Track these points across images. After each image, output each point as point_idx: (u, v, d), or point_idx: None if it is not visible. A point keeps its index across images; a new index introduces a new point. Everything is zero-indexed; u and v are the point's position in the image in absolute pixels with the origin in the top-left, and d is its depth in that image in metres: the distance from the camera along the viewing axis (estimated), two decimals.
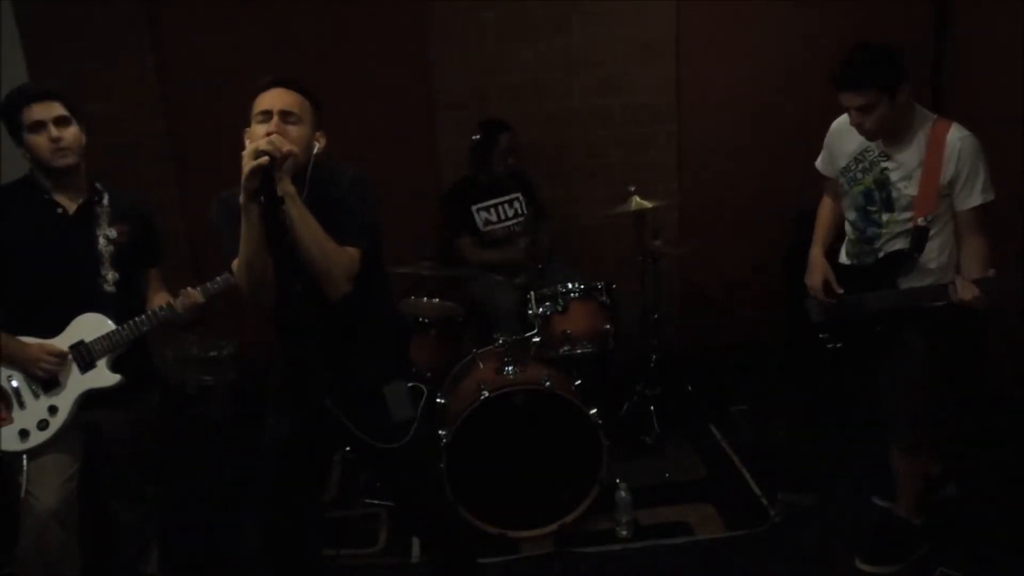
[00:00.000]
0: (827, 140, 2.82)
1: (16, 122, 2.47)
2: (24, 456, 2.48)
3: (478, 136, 4.01)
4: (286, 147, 1.99)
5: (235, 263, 2.13)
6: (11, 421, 2.49)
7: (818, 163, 2.88)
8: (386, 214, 2.29)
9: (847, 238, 2.81)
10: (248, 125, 2.17)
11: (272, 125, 2.07)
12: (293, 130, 2.11)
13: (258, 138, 2.03)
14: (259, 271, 2.07)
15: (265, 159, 1.94)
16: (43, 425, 2.50)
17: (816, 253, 2.86)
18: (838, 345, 2.82)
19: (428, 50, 4.32)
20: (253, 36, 4.15)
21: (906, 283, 2.61)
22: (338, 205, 2.15)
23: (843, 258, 2.83)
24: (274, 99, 2.13)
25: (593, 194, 4.40)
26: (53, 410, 2.51)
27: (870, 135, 2.57)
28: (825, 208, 2.93)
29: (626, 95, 4.44)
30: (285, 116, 2.11)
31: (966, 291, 2.36)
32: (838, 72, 2.50)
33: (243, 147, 2.15)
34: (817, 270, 2.82)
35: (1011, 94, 3.68)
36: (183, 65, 4.18)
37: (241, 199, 1.99)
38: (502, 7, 4.29)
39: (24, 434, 2.49)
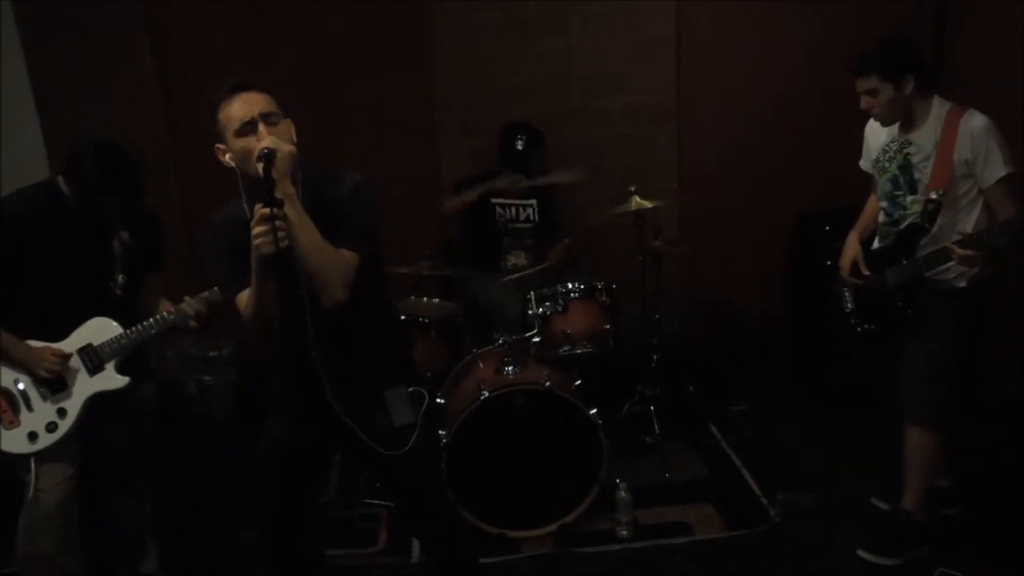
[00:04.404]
0: (865, 139, 2.98)
1: None
2: (32, 458, 2.49)
3: (523, 138, 3.92)
4: (286, 148, 1.96)
5: (240, 299, 2.11)
6: (18, 424, 2.49)
7: (861, 162, 3.03)
8: (386, 214, 2.28)
9: (879, 224, 2.94)
10: (218, 141, 2.08)
11: (264, 137, 1.98)
12: (278, 130, 2.04)
13: (254, 154, 1.96)
14: (267, 319, 2.07)
15: (262, 164, 1.90)
16: (52, 428, 2.51)
17: (851, 237, 3.02)
18: (868, 327, 2.93)
19: (428, 50, 4.32)
20: (253, 37, 4.14)
21: (922, 254, 2.73)
22: (336, 209, 2.10)
23: (875, 244, 2.96)
24: (247, 106, 2.03)
25: (593, 194, 4.40)
26: (62, 413, 2.52)
27: (879, 120, 2.79)
28: (871, 204, 3.06)
29: (626, 95, 4.44)
30: (266, 118, 2.03)
31: (962, 249, 2.49)
32: (854, 60, 2.73)
33: (220, 163, 2.08)
34: (849, 250, 2.99)
35: (1011, 90, 3.68)
36: (183, 68, 4.18)
37: (253, 265, 1.96)
38: (502, 7, 4.29)
39: (33, 436, 2.50)
